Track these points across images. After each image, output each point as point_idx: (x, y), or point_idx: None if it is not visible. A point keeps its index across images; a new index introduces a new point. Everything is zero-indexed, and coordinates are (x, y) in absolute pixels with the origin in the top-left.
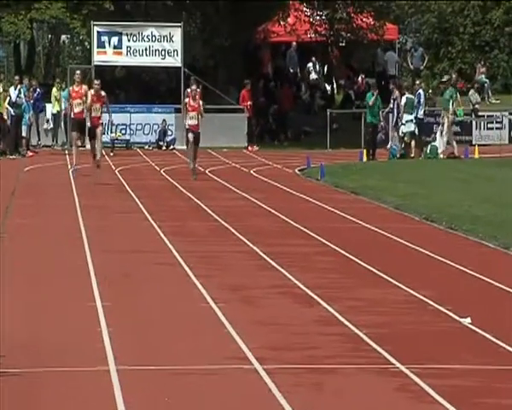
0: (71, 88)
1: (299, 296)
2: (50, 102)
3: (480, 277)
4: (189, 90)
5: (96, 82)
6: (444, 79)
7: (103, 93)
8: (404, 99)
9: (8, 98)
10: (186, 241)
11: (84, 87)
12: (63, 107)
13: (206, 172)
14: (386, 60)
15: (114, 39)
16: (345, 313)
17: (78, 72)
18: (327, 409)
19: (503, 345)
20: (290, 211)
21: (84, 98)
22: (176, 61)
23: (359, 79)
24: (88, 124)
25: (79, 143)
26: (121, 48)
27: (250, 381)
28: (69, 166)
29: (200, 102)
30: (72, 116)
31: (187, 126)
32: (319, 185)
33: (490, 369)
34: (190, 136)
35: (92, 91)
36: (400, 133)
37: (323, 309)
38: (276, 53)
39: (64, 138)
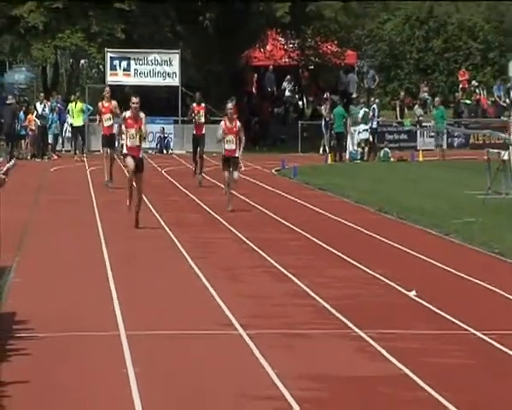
0: (100, 104)
1: (276, 274)
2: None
3: (425, 258)
4: (194, 104)
5: (134, 100)
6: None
7: (142, 115)
8: (361, 112)
9: (36, 112)
10: (184, 229)
11: (114, 102)
12: (83, 119)
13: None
14: (348, 81)
15: (124, 63)
16: (314, 288)
17: (107, 88)
18: (298, 366)
19: (443, 314)
20: (268, 204)
21: (115, 111)
22: (174, 81)
23: (325, 96)
24: (125, 155)
25: (109, 160)
26: (130, 70)
27: (235, 343)
28: (87, 167)
29: (238, 124)
30: (102, 132)
31: (223, 152)
32: (292, 183)
33: (433, 333)
34: (226, 175)
35: (128, 113)
36: (358, 140)
37: (296, 285)
38: (256, 74)
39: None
